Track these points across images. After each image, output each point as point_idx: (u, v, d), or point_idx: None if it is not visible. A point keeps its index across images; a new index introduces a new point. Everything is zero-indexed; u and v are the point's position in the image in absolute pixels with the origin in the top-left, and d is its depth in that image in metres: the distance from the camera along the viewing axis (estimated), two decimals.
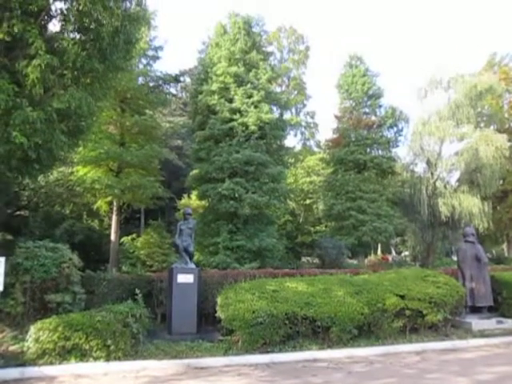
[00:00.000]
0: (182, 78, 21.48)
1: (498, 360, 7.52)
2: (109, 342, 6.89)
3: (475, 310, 10.34)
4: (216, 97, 18.01)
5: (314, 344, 8.04)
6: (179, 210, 21.48)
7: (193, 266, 9.89)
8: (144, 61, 18.39)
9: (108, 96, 10.64)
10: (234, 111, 17.81)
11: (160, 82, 18.81)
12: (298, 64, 40.17)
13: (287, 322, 7.93)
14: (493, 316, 10.25)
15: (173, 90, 21.27)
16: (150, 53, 18.31)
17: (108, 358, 6.86)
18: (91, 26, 7.89)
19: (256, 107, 17.92)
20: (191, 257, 10.14)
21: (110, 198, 17.55)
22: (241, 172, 17.21)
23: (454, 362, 7.42)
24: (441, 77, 21.93)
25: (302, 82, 40.09)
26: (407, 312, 8.74)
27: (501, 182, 25.62)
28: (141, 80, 18.24)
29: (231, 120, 17.72)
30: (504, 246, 37.63)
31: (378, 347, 8.14)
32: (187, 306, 9.11)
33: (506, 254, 34.83)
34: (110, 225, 19.26)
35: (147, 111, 18.43)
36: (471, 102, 20.82)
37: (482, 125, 24.00)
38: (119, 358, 6.94)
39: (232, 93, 18.18)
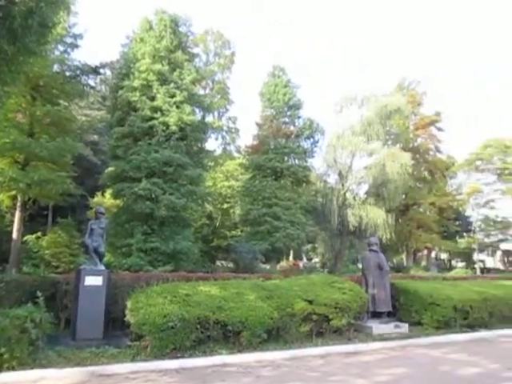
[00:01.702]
0: (102, 71, 20.48)
1: (393, 362, 8.11)
2: (2, 350, 6.31)
3: (376, 315, 11.05)
4: (137, 93, 17.46)
5: (225, 348, 8.07)
6: (91, 208, 20.42)
7: (102, 267, 9.43)
8: (61, 48, 17.25)
9: (17, 81, 9.81)
10: (155, 110, 17.39)
11: (78, 73, 17.70)
12: (223, 68, 40.40)
13: (199, 326, 7.87)
14: (391, 321, 11.00)
15: (91, 82, 20.18)
16: (69, 40, 17.23)
17: (0, 369, 6.27)
18: (1, 3, 7.25)
19: (178, 107, 17.67)
20: (101, 258, 9.67)
21: (13, 193, 16.12)
22: (159, 172, 16.84)
23: (355, 364, 7.87)
24: (356, 94, 23.36)
25: (226, 86, 40.36)
26: (314, 317, 9.11)
27: (403, 196, 27.88)
28: (56, 68, 17.05)
29: (152, 118, 17.28)
30: (403, 256, 40.92)
31: (286, 351, 8.37)
32: (94, 310, 8.66)
33: (405, 263, 37.85)
34: (12, 221, 17.71)
35: (62, 102, 17.32)
36: (381, 120, 22.43)
37: (389, 142, 25.94)
38: (13, 368, 6.39)
39: (154, 91, 17.76)
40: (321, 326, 9.31)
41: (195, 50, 24.88)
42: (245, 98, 74.95)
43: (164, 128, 17.20)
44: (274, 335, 8.73)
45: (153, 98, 17.71)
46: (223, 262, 30.36)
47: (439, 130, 40.06)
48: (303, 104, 28.54)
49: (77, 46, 17.43)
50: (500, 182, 48.71)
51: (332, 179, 24.07)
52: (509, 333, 11.26)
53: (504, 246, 45.33)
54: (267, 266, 29.85)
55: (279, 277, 12.99)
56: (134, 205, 16.45)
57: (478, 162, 48.61)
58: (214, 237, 28.97)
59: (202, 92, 32.81)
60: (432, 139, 39.45)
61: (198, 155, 19.61)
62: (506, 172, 47.71)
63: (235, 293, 9.02)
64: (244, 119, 78.95)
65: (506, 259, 48.13)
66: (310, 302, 9.17)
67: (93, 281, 8.88)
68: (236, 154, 39.03)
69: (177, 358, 7.49)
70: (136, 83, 17.54)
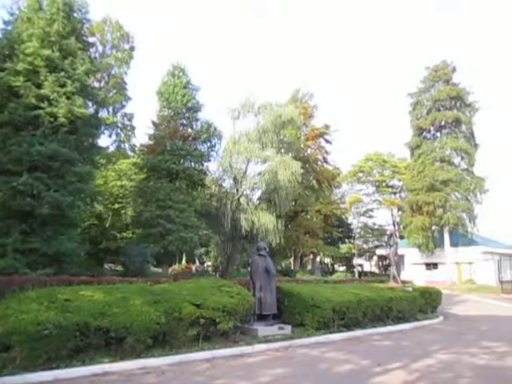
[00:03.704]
0: None
1: (277, 363, 8.44)
2: None
3: (262, 317, 11.42)
4: (21, 78, 15.91)
5: (107, 356, 7.67)
6: None
7: None
8: None
9: None
10: (41, 98, 16.03)
11: None
12: (121, 62, 38.69)
13: (78, 333, 7.39)
14: (276, 323, 11.42)
15: None
16: None
17: None
18: None
19: (69, 98, 16.51)
20: None
21: None
22: (43, 167, 15.55)
23: (240, 366, 8.03)
24: (253, 101, 23.98)
25: (123, 81, 38.69)
26: (202, 320, 9.09)
27: (293, 203, 29.27)
28: None
29: (37, 108, 15.90)
30: (291, 260, 42.97)
31: (172, 356, 8.24)
32: None
33: (292, 267, 39.79)
34: None
35: None
36: (276, 129, 23.35)
37: (282, 151, 27.03)
38: None
39: (42, 78, 16.36)
40: (208, 330, 9.33)
41: (91, 40, 23.53)
42: (145, 96, 72.71)
43: (51, 119, 15.94)
44: (160, 341, 8.53)
45: (39, 86, 16.29)
46: (112, 265, 29.00)
47: (327, 141, 43.03)
48: (202, 107, 28.54)
49: None
50: (378, 194, 53.93)
51: (227, 184, 24.41)
52: (379, 331, 12.42)
53: (379, 251, 49.98)
54: (159, 270, 29.23)
55: (168, 280, 12.79)
56: (12, 201, 15.01)
57: (360, 174, 53.31)
58: (103, 238, 27.50)
59: (96, 85, 31.10)
60: (320, 150, 42.20)
61: (88, 151, 18.52)
62: (383, 184, 53.00)
63: (121, 297, 8.66)
64: (143, 118, 76.43)
65: (380, 264, 52.94)
66: (198, 306, 9.14)
67: None
68: (130, 153, 37.59)
69: (51, 368, 6.93)
70: (20, 67, 15.98)
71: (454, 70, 41.59)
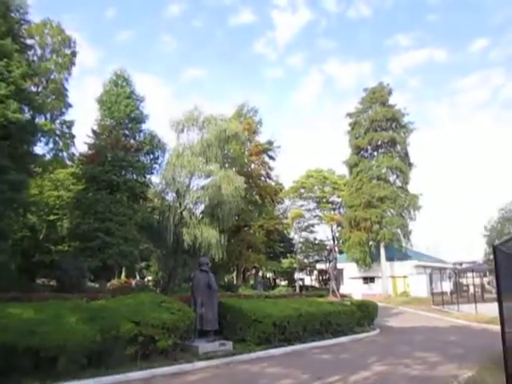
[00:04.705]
0: None
1: (217, 380, 8.34)
2: None
3: (203, 333, 11.24)
4: None
5: (36, 379, 7.16)
6: None
7: None
8: None
9: None
10: None
11: None
12: (62, 68, 37.09)
13: (3, 354, 6.86)
14: (217, 339, 11.27)
15: None
16: None
17: None
18: None
19: (2, 102, 15.61)
20: None
21: None
22: None
23: None
24: (198, 115, 23.98)
25: (63, 87, 37.06)
26: (140, 338, 8.79)
27: (236, 218, 29.29)
28: None
29: None
30: (234, 275, 42.81)
31: (108, 377, 7.87)
32: None
33: (235, 282, 39.60)
34: None
35: None
36: (220, 143, 23.44)
37: (226, 165, 27.16)
38: None
39: None
40: (147, 348, 9.04)
41: (29, 42, 22.51)
42: (88, 103, 70.32)
43: None
44: (95, 360, 8.13)
45: None
46: (45, 280, 27.38)
47: (270, 157, 43.72)
48: (146, 118, 28.01)
49: None
50: (319, 209, 55.35)
51: (170, 197, 24.07)
52: (319, 345, 12.64)
53: (320, 265, 51.11)
54: (96, 285, 27.95)
55: (106, 296, 12.28)
56: None
57: (302, 190, 54.52)
58: (37, 251, 25.90)
59: (33, 89, 29.63)
60: (264, 166, 42.75)
61: (23, 159, 17.57)
62: (324, 200, 54.52)
63: (53, 315, 8.19)
64: (85, 126, 73.80)
65: (321, 278, 54.09)
66: (137, 323, 8.85)
67: None
68: (69, 163, 35.93)
69: None
70: None
71: (390, 92, 43.91)
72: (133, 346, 8.72)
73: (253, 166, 41.58)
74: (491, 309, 12.48)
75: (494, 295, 7.11)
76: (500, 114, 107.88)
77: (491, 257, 10.46)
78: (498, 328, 6.32)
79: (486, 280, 35.19)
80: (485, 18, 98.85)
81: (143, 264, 45.26)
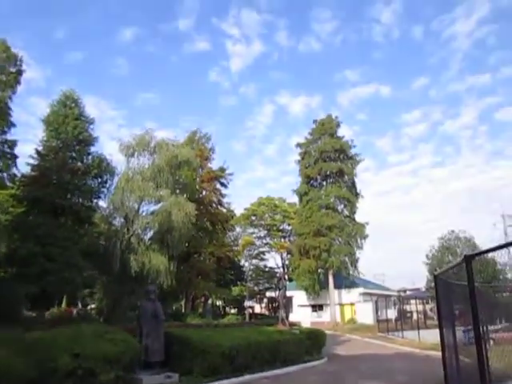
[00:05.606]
0: None
1: None
2: None
3: (149, 365, 10.77)
4: None
5: None
6: None
7: None
8: None
9: None
10: None
11: None
12: (6, 86, 35.59)
13: None
14: (163, 371, 10.81)
15: None
16: None
17: None
18: None
19: None
20: None
21: None
22: None
23: None
24: (149, 140, 23.71)
25: (6, 106, 35.51)
26: (79, 371, 8.28)
27: (186, 244, 28.80)
28: None
29: None
30: (182, 303, 41.67)
31: None
32: None
33: (184, 310, 38.52)
34: None
35: None
36: (171, 169, 23.22)
37: (177, 191, 26.83)
38: None
39: None
40: (87, 382, 8.50)
41: None
42: (33, 123, 67.56)
43: None
44: None
45: None
46: None
47: (222, 184, 43.68)
48: (95, 141, 27.27)
49: None
50: (269, 237, 55.64)
51: (118, 222, 23.34)
52: (268, 375, 12.43)
53: (269, 293, 50.92)
54: (33, 314, 26.21)
55: (43, 327, 11.55)
56: None
57: (253, 217, 54.71)
58: None
59: None
60: (216, 193, 42.59)
61: None
62: (275, 228, 54.93)
63: None
64: (24, 145, 70.73)
65: (270, 306, 53.78)
66: (76, 356, 8.36)
67: None
68: (9, 184, 34.09)
69: None
70: None
71: (338, 124, 45.62)
72: (71, 379, 8.19)
73: (204, 192, 41.31)
74: (433, 334, 12.93)
75: (436, 322, 7.38)
76: (439, 147, 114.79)
77: (432, 284, 10.90)
78: (439, 354, 6.52)
79: (428, 307, 36.47)
80: (425, 57, 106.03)
81: (86, 291, 43.10)
